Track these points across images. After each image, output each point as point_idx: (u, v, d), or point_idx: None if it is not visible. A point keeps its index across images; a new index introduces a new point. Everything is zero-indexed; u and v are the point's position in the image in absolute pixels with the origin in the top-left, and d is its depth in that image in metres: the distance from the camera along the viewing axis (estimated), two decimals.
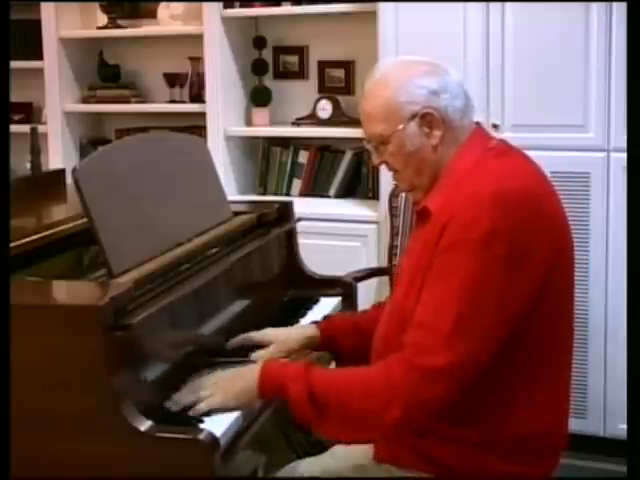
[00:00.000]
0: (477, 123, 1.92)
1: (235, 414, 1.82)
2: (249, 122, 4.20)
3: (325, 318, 2.27)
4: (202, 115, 4.08)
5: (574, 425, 2.95)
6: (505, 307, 1.72)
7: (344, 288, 2.66)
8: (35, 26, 4.30)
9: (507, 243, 1.70)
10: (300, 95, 4.18)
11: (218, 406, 1.81)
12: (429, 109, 1.82)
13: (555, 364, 1.86)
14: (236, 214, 2.51)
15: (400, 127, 1.83)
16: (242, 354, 2.10)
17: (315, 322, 2.24)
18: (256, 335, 2.17)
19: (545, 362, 1.82)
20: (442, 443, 1.81)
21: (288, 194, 4.10)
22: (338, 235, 3.64)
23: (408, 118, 1.83)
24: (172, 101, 4.30)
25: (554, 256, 1.78)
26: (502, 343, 1.74)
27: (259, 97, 4.16)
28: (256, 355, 2.08)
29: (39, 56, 4.32)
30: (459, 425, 1.80)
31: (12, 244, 1.94)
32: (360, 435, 1.79)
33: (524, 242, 1.72)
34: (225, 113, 4.06)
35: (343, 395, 1.75)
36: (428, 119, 1.83)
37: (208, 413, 1.80)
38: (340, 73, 4.11)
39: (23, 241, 2.02)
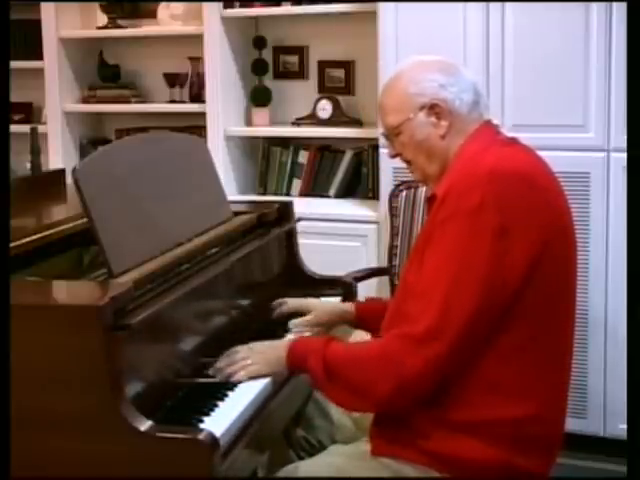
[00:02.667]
0: (488, 121, 2.00)
1: (237, 412, 1.83)
2: (249, 122, 4.20)
3: (366, 299, 2.46)
4: (202, 115, 4.08)
5: (574, 425, 2.98)
6: (494, 277, 1.77)
7: (344, 288, 2.66)
8: (35, 26, 4.30)
9: (497, 215, 1.77)
10: (300, 95, 4.18)
11: (256, 374, 1.97)
12: (436, 100, 1.94)
13: (551, 348, 1.87)
14: (236, 214, 2.51)
15: (410, 117, 1.94)
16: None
17: (356, 301, 2.43)
18: (297, 302, 2.39)
19: (540, 344, 1.84)
20: (433, 430, 1.83)
21: (288, 194, 4.10)
22: (338, 235, 3.64)
23: (417, 109, 1.95)
24: (172, 101, 4.30)
25: (551, 236, 1.82)
26: (490, 316, 1.78)
27: (259, 97, 4.16)
28: (294, 322, 2.32)
29: (39, 56, 4.32)
30: (447, 405, 1.82)
31: (12, 244, 1.93)
32: (359, 403, 1.90)
33: (516, 217, 1.78)
34: (225, 113, 4.06)
35: (348, 364, 1.88)
36: (436, 110, 1.94)
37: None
38: (340, 73, 4.11)
39: (23, 241, 2.02)
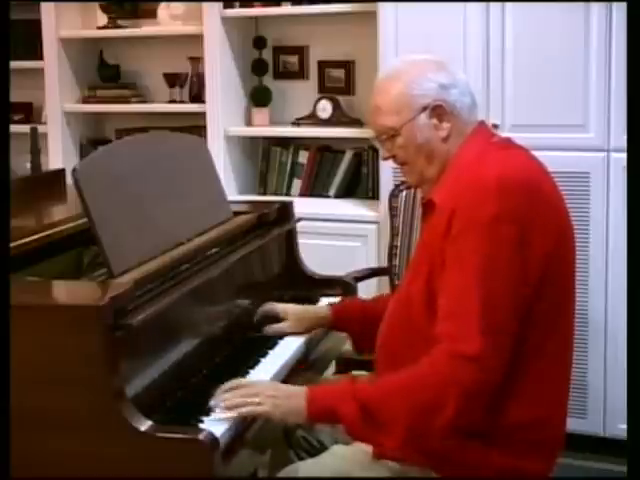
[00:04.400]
0: (481, 122, 1.99)
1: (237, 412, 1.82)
2: (249, 122, 4.20)
3: (341, 301, 2.41)
4: (202, 115, 4.08)
5: (574, 425, 2.97)
6: (520, 286, 1.76)
7: (344, 288, 2.66)
8: (35, 26, 4.31)
9: (514, 224, 1.75)
10: (300, 95, 4.18)
11: (258, 415, 1.83)
12: (439, 101, 1.90)
13: (557, 349, 1.87)
14: (236, 214, 2.51)
15: (411, 119, 1.90)
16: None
17: (331, 303, 2.37)
18: (278, 307, 2.34)
19: (549, 347, 1.83)
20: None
21: (288, 194, 4.10)
22: (338, 235, 3.64)
23: (419, 110, 1.90)
24: (172, 101, 4.30)
25: (557, 239, 1.82)
26: (520, 323, 1.77)
27: (259, 97, 4.16)
28: (270, 328, 2.29)
29: (39, 56, 4.32)
30: None
31: (12, 244, 1.94)
32: (415, 437, 1.76)
33: (530, 223, 1.77)
34: (225, 113, 4.06)
35: (396, 400, 1.77)
36: (438, 111, 1.90)
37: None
38: (340, 73, 4.11)
39: (23, 241, 2.02)
